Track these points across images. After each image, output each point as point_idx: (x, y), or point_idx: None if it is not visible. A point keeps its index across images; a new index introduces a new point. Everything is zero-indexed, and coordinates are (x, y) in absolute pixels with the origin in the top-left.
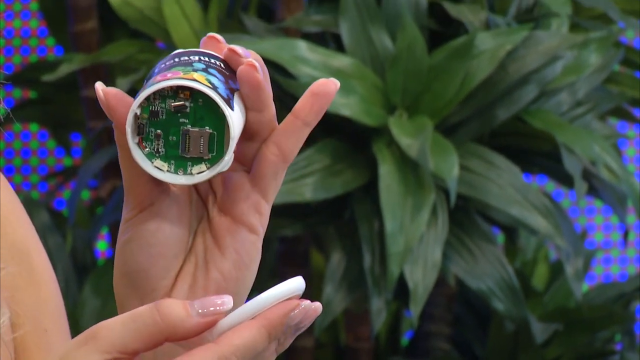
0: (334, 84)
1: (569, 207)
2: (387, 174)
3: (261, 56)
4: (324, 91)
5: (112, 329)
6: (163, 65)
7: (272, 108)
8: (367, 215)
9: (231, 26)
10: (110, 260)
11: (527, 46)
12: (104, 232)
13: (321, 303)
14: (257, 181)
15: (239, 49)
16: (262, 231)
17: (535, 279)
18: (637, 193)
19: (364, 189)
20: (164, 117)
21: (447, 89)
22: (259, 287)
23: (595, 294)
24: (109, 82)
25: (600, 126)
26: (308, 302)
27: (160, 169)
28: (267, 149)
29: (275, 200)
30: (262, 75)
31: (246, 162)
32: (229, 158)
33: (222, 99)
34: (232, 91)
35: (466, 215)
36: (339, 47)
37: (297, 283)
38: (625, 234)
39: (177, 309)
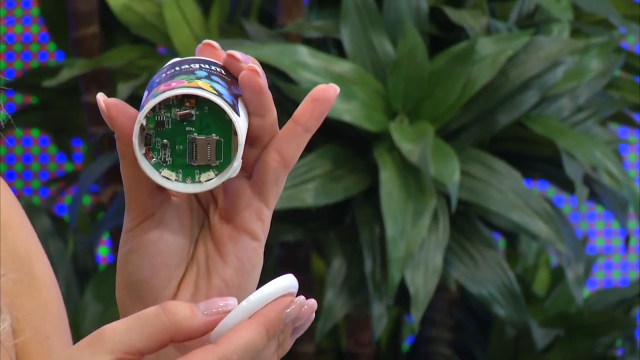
0: (334, 89)
1: (570, 213)
2: (388, 179)
3: (262, 62)
4: (324, 97)
5: (118, 330)
6: (164, 75)
7: (273, 113)
8: (368, 220)
9: (232, 32)
10: (111, 266)
11: (528, 52)
12: (105, 237)
13: (322, 308)
14: (258, 187)
15: (237, 54)
16: (263, 237)
17: (536, 285)
18: (638, 198)
19: (365, 195)
20: (169, 126)
21: (448, 94)
22: None
23: (596, 299)
24: (110, 88)
25: (601, 132)
26: (302, 297)
27: (169, 179)
28: (267, 155)
29: (276, 205)
30: (264, 79)
31: (247, 167)
32: (237, 164)
33: (228, 106)
34: (235, 97)
35: (467, 221)
36: (340, 53)
37: (289, 280)
38: (627, 240)
39: (183, 308)
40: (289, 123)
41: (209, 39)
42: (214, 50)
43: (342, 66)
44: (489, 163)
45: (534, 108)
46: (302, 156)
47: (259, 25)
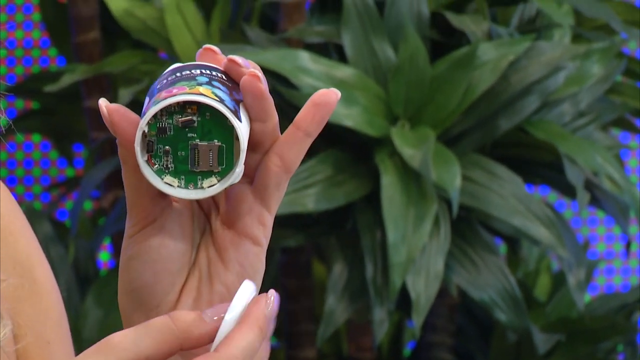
0: (335, 94)
1: (571, 218)
2: (390, 184)
3: (263, 67)
4: (325, 101)
5: (126, 336)
6: (165, 81)
7: (275, 118)
8: (369, 225)
9: (233, 37)
10: (112, 271)
11: (530, 57)
12: (107, 242)
13: (324, 314)
14: (260, 192)
15: (238, 59)
16: (265, 243)
17: (537, 290)
18: (639, 204)
19: (366, 200)
20: (171, 133)
21: (450, 99)
22: None
23: (597, 304)
24: (111, 93)
25: (603, 137)
26: (273, 290)
27: (171, 185)
28: (269, 159)
29: (277, 210)
30: (265, 85)
31: (249, 172)
32: (240, 170)
33: (230, 112)
34: (237, 102)
35: (468, 226)
36: (342, 58)
37: (252, 285)
38: (628, 245)
39: (191, 315)
40: (290, 128)
41: (210, 44)
42: (214, 55)
43: (344, 71)
44: (490, 168)
45: (535, 113)
46: (303, 161)
47: (260, 30)
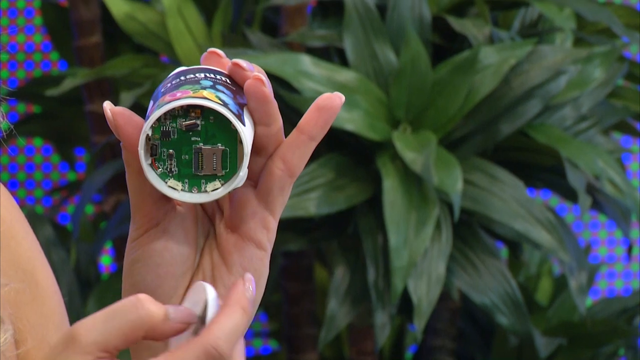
0: (339, 98)
1: (572, 222)
2: (391, 188)
3: (265, 71)
4: (329, 105)
5: (92, 328)
6: (169, 85)
7: (279, 121)
8: (371, 229)
9: (235, 41)
10: (114, 275)
11: (531, 61)
12: (108, 246)
13: (325, 318)
14: (264, 196)
15: (243, 62)
16: (269, 247)
17: (539, 294)
18: None
19: (367, 204)
20: (175, 136)
21: (451, 103)
22: (262, 302)
23: (599, 308)
24: (113, 97)
25: (604, 141)
26: (248, 273)
27: (175, 189)
28: (273, 163)
29: None
30: (269, 88)
31: (253, 176)
32: (243, 174)
33: (234, 116)
34: (241, 106)
35: (470, 230)
36: (343, 62)
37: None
38: (629, 249)
39: (158, 312)
40: (294, 132)
41: (211, 48)
42: (219, 59)
43: (345, 75)
44: (492, 172)
45: (537, 117)
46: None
47: (262, 34)
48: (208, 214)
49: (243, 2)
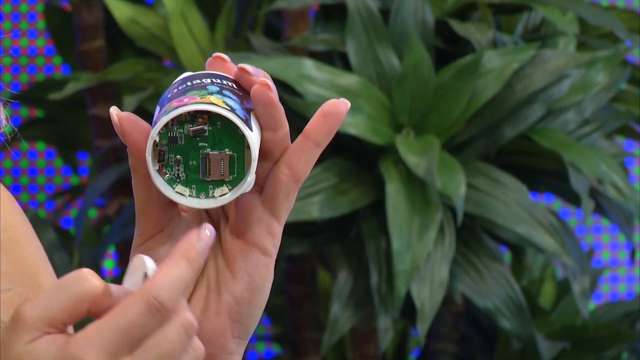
0: (344, 104)
1: (575, 226)
2: (394, 192)
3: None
4: (335, 111)
5: (37, 305)
6: (176, 90)
7: (285, 127)
8: (374, 233)
9: (238, 45)
10: (117, 279)
11: (534, 65)
12: (111, 250)
13: (328, 321)
14: (269, 202)
15: (249, 67)
16: (274, 253)
17: (542, 298)
18: None
19: (370, 208)
20: (183, 142)
21: (454, 107)
22: (266, 306)
23: (602, 312)
24: (116, 101)
25: (607, 145)
26: (207, 224)
27: (182, 194)
28: (278, 169)
29: None
30: (276, 93)
31: (258, 181)
32: (251, 179)
33: (241, 121)
34: (248, 111)
35: (473, 234)
36: (346, 66)
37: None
38: (632, 253)
39: (100, 287)
40: (300, 138)
41: (215, 52)
42: (224, 64)
43: (348, 79)
44: (495, 176)
45: (540, 121)
46: None
47: (265, 38)
48: (213, 219)
49: (246, 7)
